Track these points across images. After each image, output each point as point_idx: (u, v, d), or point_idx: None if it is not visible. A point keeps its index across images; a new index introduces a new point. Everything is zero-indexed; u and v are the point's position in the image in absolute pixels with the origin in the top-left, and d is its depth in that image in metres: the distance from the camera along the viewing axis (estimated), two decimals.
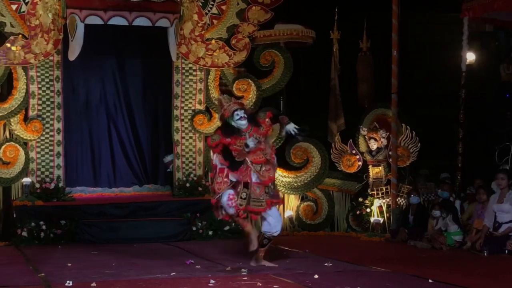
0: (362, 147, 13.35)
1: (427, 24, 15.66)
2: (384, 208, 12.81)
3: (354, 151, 13.41)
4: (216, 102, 12.34)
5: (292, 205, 13.54)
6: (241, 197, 8.55)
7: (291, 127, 8.87)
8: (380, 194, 12.95)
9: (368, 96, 14.30)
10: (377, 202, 12.91)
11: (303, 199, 13.62)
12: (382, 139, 13.11)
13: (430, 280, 7.52)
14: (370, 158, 13.23)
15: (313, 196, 13.60)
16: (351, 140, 13.44)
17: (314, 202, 13.59)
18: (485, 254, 9.87)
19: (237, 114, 8.59)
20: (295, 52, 13.96)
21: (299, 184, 13.43)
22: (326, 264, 8.93)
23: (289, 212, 13.49)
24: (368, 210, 13.03)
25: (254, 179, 8.61)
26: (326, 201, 13.55)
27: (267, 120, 8.87)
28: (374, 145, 13.16)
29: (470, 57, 13.48)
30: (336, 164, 13.51)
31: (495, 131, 13.95)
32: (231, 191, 8.55)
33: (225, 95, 9.41)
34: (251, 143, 8.51)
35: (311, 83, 14.97)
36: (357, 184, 13.49)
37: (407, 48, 13.15)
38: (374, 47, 14.22)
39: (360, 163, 13.39)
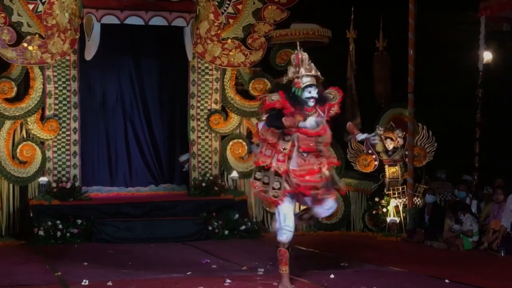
0: (379, 147, 13.31)
1: (443, 23, 15.58)
2: (401, 208, 12.75)
3: (370, 151, 13.37)
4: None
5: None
6: (273, 188, 7.38)
7: (363, 137, 7.75)
8: (396, 193, 12.90)
9: (384, 96, 14.26)
10: (393, 202, 12.86)
11: None
12: (399, 139, 13.06)
13: (446, 280, 7.50)
14: (387, 158, 13.18)
15: None
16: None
17: None
18: (502, 254, 9.82)
19: (309, 92, 7.33)
20: (311, 50, 13.89)
21: None
22: (342, 264, 8.91)
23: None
24: (384, 210, 12.98)
25: (292, 165, 7.35)
26: (342, 200, 13.51)
27: (334, 107, 7.68)
28: (390, 145, 13.11)
29: (487, 56, 13.40)
30: (352, 163, 13.47)
31: None
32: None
33: (304, 54, 7.62)
34: (311, 122, 7.13)
35: (327, 83, 14.91)
36: (374, 183, 13.45)
37: (424, 47, 13.09)
38: (391, 47, 14.17)
39: (376, 162, 13.35)
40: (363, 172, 13.47)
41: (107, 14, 12.09)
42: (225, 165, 13.41)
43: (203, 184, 13.09)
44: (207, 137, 13.49)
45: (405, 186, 12.81)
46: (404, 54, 12.57)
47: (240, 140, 13.51)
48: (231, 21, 13.43)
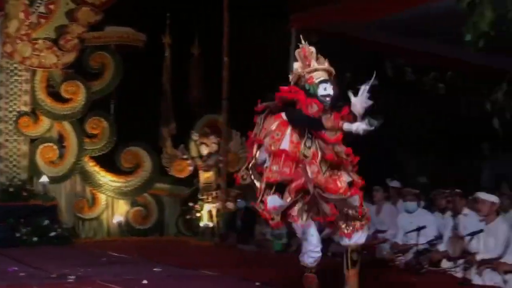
0: (193, 152, 13.42)
1: (257, 32, 15.98)
2: (214, 213, 12.94)
3: (185, 156, 13.45)
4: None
5: (121, 210, 13.36)
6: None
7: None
8: (210, 198, 13.07)
9: (199, 102, 14.39)
10: (207, 207, 13.02)
11: (133, 204, 13.48)
12: (213, 144, 13.24)
13: (257, 283, 7.66)
14: (201, 163, 13.32)
15: (143, 201, 13.51)
16: (182, 145, 13.48)
17: (144, 207, 13.50)
18: None
19: (324, 89, 6.08)
20: (126, 55, 13.81)
21: (129, 189, 13.29)
22: (155, 269, 8.88)
23: (119, 217, 13.30)
24: (198, 214, 13.11)
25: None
26: (156, 206, 13.50)
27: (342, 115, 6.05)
28: (205, 150, 13.26)
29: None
30: (167, 169, 13.49)
31: None
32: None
33: (311, 47, 6.44)
34: (361, 126, 5.70)
35: (142, 87, 14.85)
36: (188, 188, 13.55)
37: (238, 55, 13.37)
38: (206, 53, 14.34)
39: (191, 168, 13.45)
40: (178, 177, 13.52)
41: None
42: (34, 170, 12.94)
43: (10, 189, 12.57)
44: (15, 140, 12.97)
45: (218, 191, 13.00)
46: (219, 61, 12.77)
47: (51, 144, 13.11)
48: (42, 21, 13.01)
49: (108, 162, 13.25)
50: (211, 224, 12.90)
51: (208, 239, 12.54)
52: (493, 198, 8.23)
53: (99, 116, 13.27)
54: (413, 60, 14.76)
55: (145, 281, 7.74)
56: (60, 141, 13.10)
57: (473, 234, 8.15)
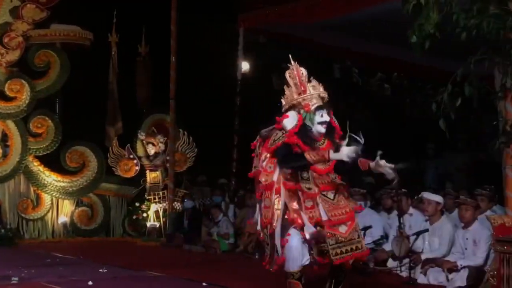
0: (140, 152, 13.32)
1: (205, 32, 15.96)
2: (161, 213, 12.87)
3: (131, 156, 13.34)
4: None
5: (66, 210, 13.17)
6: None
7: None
8: (157, 198, 13.00)
9: (146, 101, 14.31)
10: (154, 207, 12.94)
11: (78, 204, 13.31)
12: (160, 144, 13.17)
13: (204, 284, 7.65)
14: (148, 163, 13.22)
15: (89, 201, 13.35)
16: (129, 144, 13.38)
17: (89, 207, 13.35)
18: (256, 256, 10.22)
19: (321, 115, 5.82)
20: (72, 53, 13.63)
21: (74, 189, 13.11)
22: (101, 270, 8.79)
23: (64, 218, 13.11)
24: (144, 215, 13.02)
25: (324, 215, 5.76)
26: (102, 206, 13.36)
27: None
28: (152, 150, 13.18)
29: (245, 66, 13.93)
30: (113, 168, 13.36)
31: None
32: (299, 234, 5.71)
33: (302, 69, 5.99)
34: (349, 153, 5.65)
35: (89, 86, 14.69)
36: (134, 188, 13.44)
37: (186, 54, 13.33)
38: (153, 52, 14.26)
39: (137, 167, 13.35)
40: (124, 177, 13.41)
41: None
42: None
43: None
44: None
45: (165, 191, 12.94)
46: (166, 60, 12.72)
47: None
48: None
49: (53, 162, 13.05)
50: (157, 225, 12.83)
51: (154, 240, 12.47)
52: (438, 198, 8.37)
53: (44, 115, 13.06)
54: (359, 61, 14.93)
55: (90, 283, 7.66)
56: (4, 140, 12.85)
57: (418, 233, 8.27)
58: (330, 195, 5.82)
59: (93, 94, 14.46)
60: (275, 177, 5.86)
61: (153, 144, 13.18)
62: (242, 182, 12.58)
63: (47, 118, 13.04)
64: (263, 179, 5.91)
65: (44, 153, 13.02)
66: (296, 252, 5.71)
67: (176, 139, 13.05)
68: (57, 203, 13.06)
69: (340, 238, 5.69)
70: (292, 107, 5.89)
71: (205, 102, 15.57)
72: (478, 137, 14.19)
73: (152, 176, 13.21)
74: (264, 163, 5.98)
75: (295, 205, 5.72)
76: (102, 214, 13.29)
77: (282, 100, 6.00)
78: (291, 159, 5.76)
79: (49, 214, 13.03)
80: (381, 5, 10.25)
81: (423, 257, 8.10)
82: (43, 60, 13.05)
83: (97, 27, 13.69)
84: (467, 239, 7.78)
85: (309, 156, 5.64)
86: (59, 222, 13.03)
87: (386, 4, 9.94)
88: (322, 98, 5.87)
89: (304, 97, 5.82)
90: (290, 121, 5.80)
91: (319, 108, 5.78)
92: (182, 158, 13.22)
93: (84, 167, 13.21)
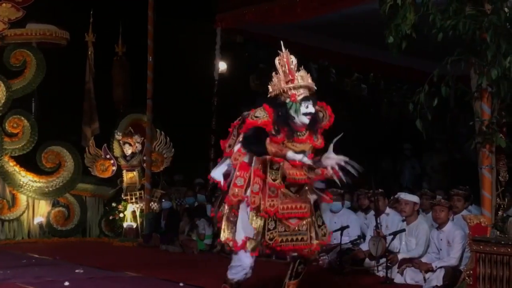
0: (117, 152, 13.27)
1: (182, 32, 15.94)
2: (138, 213, 12.83)
3: (108, 156, 13.28)
4: None
5: (42, 211, 13.07)
6: (268, 228, 5.78)
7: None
8: (134, 199, 12.95)
9: (123, 101, 14.27)
10: (130, 207, 12.90)
11: (54, 204, 13.22)
12: (137, 144, 13.12)
13: (181, 284, 7.64)
14: (125, 163, 13.17)
15: (65, 202, 13.26)
16: (105, 144, 13.32)
17: (66, 208, 13.26)
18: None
19: (306, 107, 5.73)
20: (48, 53, 13.54)
21: (50, 189, 13.01)
22: (77, 271, 8.74)
23: (40, 218, 13.01)
24: (121, 215, 12.97)
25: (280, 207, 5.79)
26: (78, 206, 13.28)
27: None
28: (128, 150, 13.13)
29: (222, 66, 13.93)
30: (89, 169, 13.29)
31: None
32: None
33: (292, 56, 5.92)
34: (303, 159, 5.74)
35: (65, 86, 14.61)
36: (111, 189, 13.37)
37: (163, 54, 13.31)
38: (130, 52, 14.22)
39: (114, 168, 13.30)
40: (101, 177, 13.34)
41: None
42: None
43: None
44: None
45: (142, 192, 12.90)
46: (143, 60, 12.69)
47: None
48: None
49: (29, 162, 12.95)
50: (134, 225, 12.79)
51: (131, 240, 12.42)
52: (415, 199, 8.41)
53: (20, 115, 12.95)
54: (336, 61, 14.99)
55: (66, 283, 7.62)
56: None
57: (395, 233, 8.31)
58: (293, 189, 5.82)
59: (69, 94, 14.39)
60: (246, 158, 5.90)
61: (130, 144, 13.12)
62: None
63: (23, 118, 12.94)
64: (235, 159, 5.98)
65: (20, 153, 12.91)
66: (241, 269, 5.98)
67: (153, 139, 13.03)
68: (33, 203, 12.96)
69: (289, 227, 5.75)
70: (278, 94, 5.83)
71: (182, 102, 15.54)
72: (455, 137, 14.33)
73: (129, 176, 13.16)
74: (240, 145, 6.01)
75: (255, 188, 5.77)
76: (79, 215, 13.21)
77: (269, 86, 5.95)
78: (252, 143, 5.80)
79: (25, 215, 12.92)
80: (358, 6, 10.30)
81: (400, 257, 8.14)
82: (19, 59, 12.95)
83: (73, 26, 13.62)
84: (441, 239, 7.84)
85: (270, 147, 5.67)
86: (35, 222, 12.93)
87: (363, 5, 10.00)
88: (310, 89, 5.81)
89: (292, 86, 5.75)
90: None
91: (305, 99, 5.72)
92: (159, 158, 13.20)
93: (61, 167, 13.13)
